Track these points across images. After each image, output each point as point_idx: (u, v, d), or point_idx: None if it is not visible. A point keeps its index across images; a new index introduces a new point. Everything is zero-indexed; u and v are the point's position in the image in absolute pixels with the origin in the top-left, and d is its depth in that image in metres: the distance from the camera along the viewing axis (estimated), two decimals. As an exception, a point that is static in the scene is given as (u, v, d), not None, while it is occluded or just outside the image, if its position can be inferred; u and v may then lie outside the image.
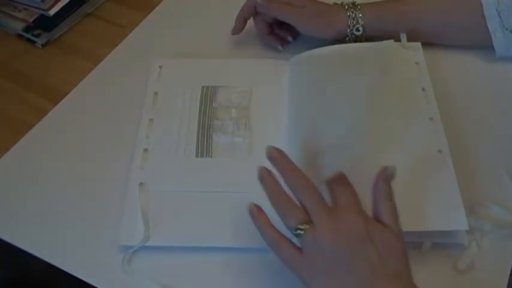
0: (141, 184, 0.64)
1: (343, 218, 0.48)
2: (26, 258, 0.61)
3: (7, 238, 0.62)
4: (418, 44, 0.73)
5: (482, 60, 0.75)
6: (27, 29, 0.83)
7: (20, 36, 0.84)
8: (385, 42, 0.72)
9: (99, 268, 0.59)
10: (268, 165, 0.54)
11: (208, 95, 0.72)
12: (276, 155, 0.54)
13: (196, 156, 0.66)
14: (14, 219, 0.64)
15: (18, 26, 0.84)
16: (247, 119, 0.69)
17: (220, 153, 0.66)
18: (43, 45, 0.83)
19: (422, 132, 0.64)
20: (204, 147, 0.67)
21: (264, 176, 0.53)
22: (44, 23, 0.83)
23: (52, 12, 0.82)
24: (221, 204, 0.62)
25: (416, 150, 0.62)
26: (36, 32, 0.83)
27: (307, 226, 0.49)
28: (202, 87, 0.73)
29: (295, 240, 0.51)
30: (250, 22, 0.78)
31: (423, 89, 0.68)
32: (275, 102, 0.71)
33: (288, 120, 0.69)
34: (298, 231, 0.49)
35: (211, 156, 0.66)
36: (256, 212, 0.53)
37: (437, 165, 0.61)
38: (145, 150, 0.67)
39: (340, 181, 0.52)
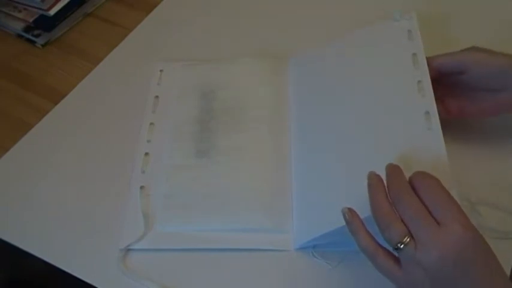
0: (141, 187, 0.64)
1: (447, 233, 0.46)
2: (26, 258, 0.61)
3: (7, 238, 0.62)
4: (412, 14, 0.68)
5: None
6: (27, 29, 0.83)
7: (20, 36, 0.84)
8: (379, 23, 0.70)
9: (99, 268, 0.59)
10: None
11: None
12: (391, 169, 0.52)
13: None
14: (14, 219, 0.64)
15: (18, 26, 0.84)
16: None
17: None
18: (43, 45, 0.83)
19: (410, 100, 0.62)
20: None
21: (372, 182, 0.51)
22: (44, 23, 0.83)
23: (52, 12, 0.82)
24: (222, 206, 0.62)
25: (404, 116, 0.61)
26: (36, 32, 0.83)
27: (408, 240, 0.47)
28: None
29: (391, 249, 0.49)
30: (250, 21, 0.78)
31: (414, 54, 0.65)
32: (275, 102, 0.71)
33: (291, 121, 0.69)
34: (400, 246, 0.47)
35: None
36: (349, 216, 0.51)
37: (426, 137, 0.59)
38: (147, 154, 0.68)
39: (432, 190, 0.49)
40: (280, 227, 0.61)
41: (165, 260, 0.60)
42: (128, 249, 0.60)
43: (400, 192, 0.49)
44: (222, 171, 0.65)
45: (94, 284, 0.58)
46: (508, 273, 0.57)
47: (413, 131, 0.59)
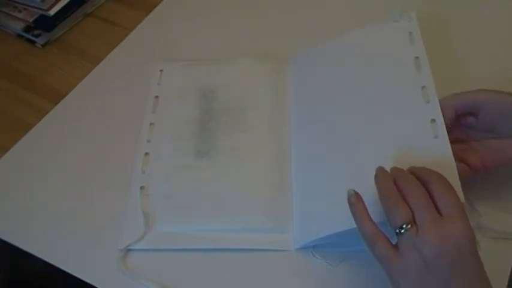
0: (141, 188, 0.64)
1: (450, 226, 0.47)
2: (26, 258, 0.61)
3: (7, 238, 0.62)
4: (412, 14, 0.68)
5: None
6: (27, 29, 0.83)
7: (20, 36, 0.84)
8: (379, 23, 0.70)
9: (99, 269, 0.59)
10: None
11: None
12: (396, 169, 0.54)
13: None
14: (14, 219, 0.64)
15: (18, 26, 0.84)
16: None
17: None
18: (43, 45, 0.83)
19: (414, 105, 0.61)
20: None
21: (379, 174, 0.53)
22: (44, 23, 0.83)
23: (52, 12, 0.82)
24: (222, 206, 0.62)
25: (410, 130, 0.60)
26: (36, 32, 0.83)
27: (410, 226, 0.48)
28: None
29: (391, 237, 0.50)
30: (250, 21, 0.78)
31: (416, 58, 0.64)
32: (275, 102, 0.71)
33: (291, 121, 0.69)
34: (401, 230, 0.48)
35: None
36: (354, 199, 0.52)
37: (436, 150, 0.58)
38: (146, 154, 0.68)
39: (441, 184, 0.50)
40: (280, 227, 0.61)
41: (165, 260, 0.59)
42: (127, 249, 0.60)
43: (408, 182, 0.51)
44: (222, 171, 0.65)
45: (94, 284, 0.58)
46: (508, 273, 0.57)
47: (419, 138, 0.59)
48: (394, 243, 0.49)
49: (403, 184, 0.51)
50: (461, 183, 0.53)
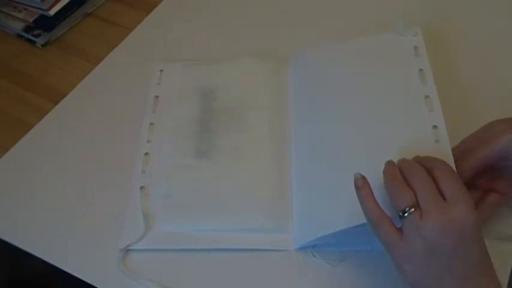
0: (141, 188, 0.64)
1: (453, 210, 0.48)
2: (26, 258, 0.61)
3: (7, 238, 0.62)
4: (417, 29, 0.69)
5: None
6: (27, 29, 0.83)
7: (20, 36, 0.84)
8: (382, 34, 0.71)
9: (99, 269, 0.59)
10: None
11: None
12: (402, 160, 0.54)
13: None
14: (14, 219, 0.64)
15: (18, 26, 0.84)
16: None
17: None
18: (43, 45, 0.83)
19: (417, 111, 0.62)
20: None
21: (387, 166, 0.54)
22: (44, 23, 0.83)
23: (52, 12, 0.82)
24: (222, 206, 0.62)
25: (412, 132, 0.61)
26: (36, 32, 0.83)
27: (414, 209, 0.48)
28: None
29: (396, 221, 0.50)
30: (250, 21, 0.78)
31: (420, 70, 0.65)
32: (275, 102, 0.71)
33: (291, 121, 0.69)
34: (405, 213, 0.49)
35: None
36: (361, 182, 0.53)
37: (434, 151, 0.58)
38: (146, 154, 0.68)
39: (445, 171, 0.51)
40: (280, 227, 0.61)
41: (165, 260, 0.60)
42: (127, 249, 0.60)
43: (413, 169, 0.51)
44: (222, 171, 0.65)
45: (94, 284, 0.58)
46: (508, 273, 0.57)
47: (420, 141, 0.59)
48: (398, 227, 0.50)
49: (408, 171, 0.51)
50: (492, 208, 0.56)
